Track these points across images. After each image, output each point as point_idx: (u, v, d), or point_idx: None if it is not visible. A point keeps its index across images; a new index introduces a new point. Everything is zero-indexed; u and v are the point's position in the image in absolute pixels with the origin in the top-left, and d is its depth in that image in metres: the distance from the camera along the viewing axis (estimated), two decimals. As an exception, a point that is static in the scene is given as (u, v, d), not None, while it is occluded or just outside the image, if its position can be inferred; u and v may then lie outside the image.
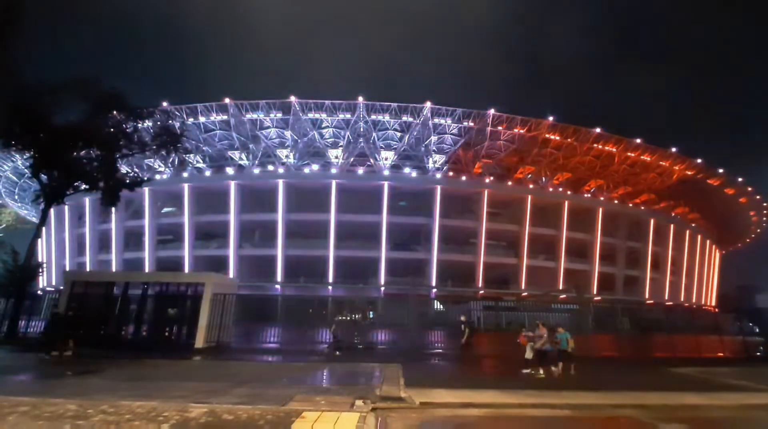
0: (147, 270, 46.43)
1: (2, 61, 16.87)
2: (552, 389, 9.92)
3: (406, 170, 52.01)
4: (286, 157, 51.74)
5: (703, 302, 65.52)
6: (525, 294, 47.00)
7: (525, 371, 12.68)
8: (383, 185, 48.51)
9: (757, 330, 20.66)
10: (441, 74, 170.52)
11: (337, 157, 51.44)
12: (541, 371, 12.45)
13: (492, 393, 9.24)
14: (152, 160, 47.05)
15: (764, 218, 70.04)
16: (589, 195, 56.69)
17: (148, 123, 24.04)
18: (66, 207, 47.50)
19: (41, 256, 54.26)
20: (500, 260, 51.39)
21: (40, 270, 31.10)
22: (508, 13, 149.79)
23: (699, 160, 54.45)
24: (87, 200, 50.24)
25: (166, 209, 55.21)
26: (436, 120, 48.68)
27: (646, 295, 55.13)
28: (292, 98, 46.26)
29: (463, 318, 16.56)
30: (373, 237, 47.67)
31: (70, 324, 14.74)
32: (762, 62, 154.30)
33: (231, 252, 48.67)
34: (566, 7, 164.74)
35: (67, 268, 51.27)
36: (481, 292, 47.40)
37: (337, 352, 16.48)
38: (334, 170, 50.37)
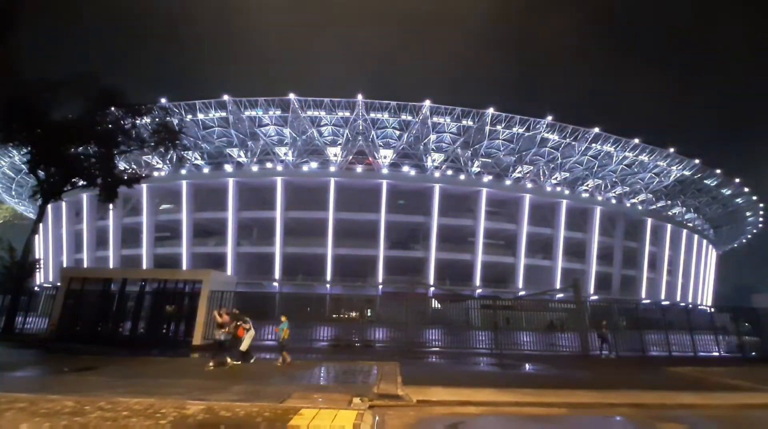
0: (145, 267, 46.36)
1: (1, 57, 16.80)
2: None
3: (405, 169, 52.01)
4: (285, 154, 51.69)
5: (699, 302, 65.84)
6: (522, 293, 47.14)
7: (251, 361, 12.41)
8: (382, 183, 48.50)
9: (753, 330, 20.73)
10: (440, 73, 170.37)
11: (335, 155, 51.41)
12: (211, 364, 11.52)
13: (489, 391, 9.27)
14: (150, 156, 46.91)
15: (760, 219, 70.38)
16: (586, 194, 56.87)
17: (146, 119, 23.92)
18: (63, 203, 47.38)
19: (38, 252, 54.06)
20: (498, 259, 51.53)
21: (37, 266, 31.00)
22: (507, 12, 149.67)
23: (696, 161, 54.66)
24: (85, 196, 50.09)
25: (164, 206, 55.11)
26: (434, 118, 48.69)
27: (643, 295, 55.38)
28: (291, 96, 46.18)
29: (236, 310, 15.27)
30: (372, 235, 47.69)
31: None
32: (761, 62, 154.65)
33: (229, 249, 48.63)
34: (565, 6, 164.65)
35: (65, 265, 51.16)
36: (479, 290, 47.55)
37: (605, 354, 17.32)
38: (332, 168, 50.33)
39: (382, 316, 21.07)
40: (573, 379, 11.76)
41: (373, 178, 49.61)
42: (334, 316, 21.79)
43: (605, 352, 17.68)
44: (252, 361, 12.57)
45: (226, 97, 46.90)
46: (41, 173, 21.41)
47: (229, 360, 12.05)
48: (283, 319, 13.19)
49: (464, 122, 49.06)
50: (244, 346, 12.49)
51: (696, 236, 66.00)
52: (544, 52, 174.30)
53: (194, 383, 9.12)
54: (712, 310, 22.71)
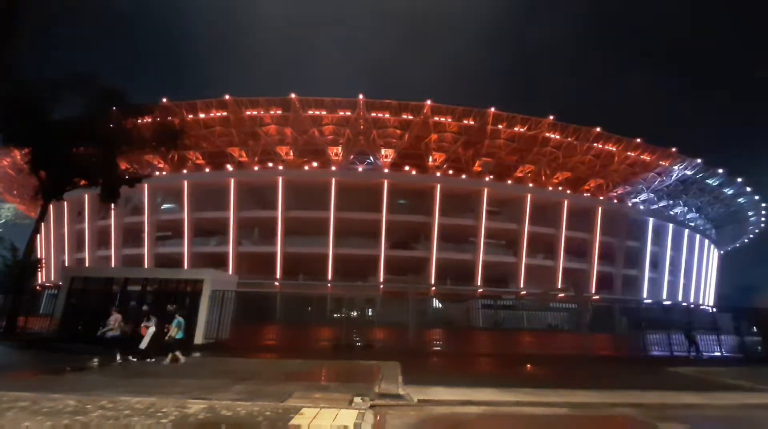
0: (146, 266, 46.41)
1: (2, 57, 16.82)
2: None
3: (406, 168, 51.98)
4: (286, 154, 51.69)
5: (701, 302, 65.66)
6: (524, 293, 47.09)
7: (150, 360, 12.30)
8: (383, 183, 48.47)
9: (755, 330, 20.69)
10: (441, 72, 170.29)
11: (336, 155, 51.40)
12: (96, 360, 11.35)
13: (490, 391, 9.26)
14: (152, 156, 46.99)
15: (763, 219, 70.17)
16: (588, 194, 56.77)
17: (147, 119, 23.95)
18: (65, 203, 47.48)
19: (40, 252, 54.23)
20: (499, 259, 51.42)
21: (39, 266, 31.15)
22: (508, 11, 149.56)
23: (698, 160, 54.50)
24: (86, 196, 50.11)
25: (165, 206, 55.17)
26: (436, 118, 48.62)
27: (644, 295, 55.26)
28: (292, 95, 46.16)
29: (145, 307, 14.93)
30: (373, 235, 47.67)
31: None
32: (762, 61, 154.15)
33: (230, 249, 48.66)
34: (567, 6, 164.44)
35: (66, 264, 51.27)
36: (480, 290, 47.49)
37: (693, 355, 17.78)
38: (333, 168, 50.34)
39: (383, 315, 21.06)
40: (574, 379, 11.75)
41: (374, 177, 49.60)
42: (335, 315, 21.82)
43: (693, 353, 18.21)
44: (152, 360, 12.46)
45: (226, 97, 46.90)
46: (43, 173, 21.45)
47: (118, 357, 11.89)
48: (177, 316, 13.11)
49: (465, 122, 49.00)
50: (143, 344, 12.44)
51: (698, 236, 65.80)
52: (546, 52, 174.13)
53: (195, 383, 9.13)
54: (714, 309, 22.70)
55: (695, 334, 18.33)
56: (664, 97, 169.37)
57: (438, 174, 51.21)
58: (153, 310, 14.37)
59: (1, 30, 16.22)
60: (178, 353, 12.44)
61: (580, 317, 18.95)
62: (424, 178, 50.78)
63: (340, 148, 51.12)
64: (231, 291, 18.01)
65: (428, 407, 7.98)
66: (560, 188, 54.97)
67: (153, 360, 12.42)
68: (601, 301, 44.68)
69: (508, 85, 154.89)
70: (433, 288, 45.41)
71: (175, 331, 12.69)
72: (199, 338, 16.40)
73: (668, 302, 54.04)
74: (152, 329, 12.63)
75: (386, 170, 50.52)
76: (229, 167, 51.71)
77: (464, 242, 50.97)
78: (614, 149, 52.09)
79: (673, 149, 52.78)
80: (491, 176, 52.60)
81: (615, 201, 58.10)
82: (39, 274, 45.09)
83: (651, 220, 57.72)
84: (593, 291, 50.17)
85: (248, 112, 48.67)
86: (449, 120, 48.86)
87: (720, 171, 56.59)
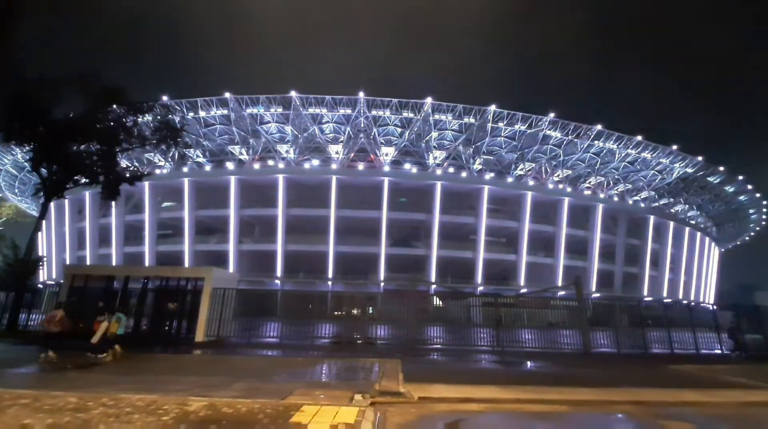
0: (147, 264, 46.52)
1: (2, 55, 16.81)
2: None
3: (407, 166, 51.96)
4: (287, 152, 51.70)
5: (701, 300, 65.70)
6: (524, 290, 47.13)
7: (91, 355, 12.23)
8: (383, 181, 48.50)
9: (756, 327, 20.66)
10: (441, 70, 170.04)
11: (337, 153, 51.40)
12: (42, 356, 11.46)
13: (491, 388, 9.27)
14: (152, 154, 47.05)
15: (763, 216, 70.09)
16: (588, 192, 56.74)
17: (148, 117, 23.92)
18: (66, 201, 47.54)
19: (41, 249, 54.34)
20: (500, 257, 51.51)
21: (41, 264, 31.18)
22: (508, 9, 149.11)
23: (699, 158, 54.44)
24: (87, 194, 50.27)
25: (166, 204, 55.24)
26: (436, 116, 48.62)
27: (645, 292, 55.30)
28: (293, 93, 46.14)
29: (101, 304, 14.63)
30: (373, 233, 47.73)
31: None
32: (763, 60, 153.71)
33: (231, 247, 48.74)
34: (567, 4, 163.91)
35: (68, 262, 51.39)
36: (481, 288, 47.55)
37: (736, 354, 18.23)
38: (334, 166, 50.34)
39: (384, 313, 21.06)
40: (574, 377, 11.74)
41: (375, 175, 49.62)
42: (335, 313, 21.84)
43: (736, 352, 18.39)
44: (103, 355, 12.49)
45: (227, 95, 46.91)
46: (44, 171, 21.47)
47: (51, 354, 11.73)
48: (118, 312, 13.20)
49: (466, 119, 48.98)
50: (94, 339, 12.49)
51: (699, 234, 65.80)
52: (547, 50, 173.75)
53: (196, 380, 9.14)
54: (715, 307, 22.67)
55: (739, 335, 18.69)
56: (664, 94, 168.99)
57: (438, 172, 51.21)
58: (108, 306, 14.40)
59: (2, 28, 16.20)
60: (117, 347, 12.51)
61: (581, 315, 18.91)
62: (424, 176, 50.81)
63: (340, 146, 51.11)
64: (232, 289, 18.03)
65: (429, 404, 7.99)
66: (560, 186, 54.95)
67: (104, 355, 12.47)
68: (601, 298, 44.73)
69: (509, 83, 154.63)
70: (434, 286, 45.47)
71: (115, 327, 12.77)
72: (200, 336, 16.44)
73: (669, 300, 54.05)
74: (105, 324, 12.73)
75: (386, 168, 50.50)
76: (230, 165, 51.73)
77: (464, 240, 51.05)
78: (614, 147, 52.07)
79: (674, 147, 52.73)
80: (491, 174, 52.60)
81: (615, 199, 58.06)
82: (40, 272, 45.21)
83: (651, 218, 57.70)
84: (593, 289, 50.23)
85: (249, 110, 48.67)
86: (449, 118, 48.85)
87: (721, 168, 56.58)
